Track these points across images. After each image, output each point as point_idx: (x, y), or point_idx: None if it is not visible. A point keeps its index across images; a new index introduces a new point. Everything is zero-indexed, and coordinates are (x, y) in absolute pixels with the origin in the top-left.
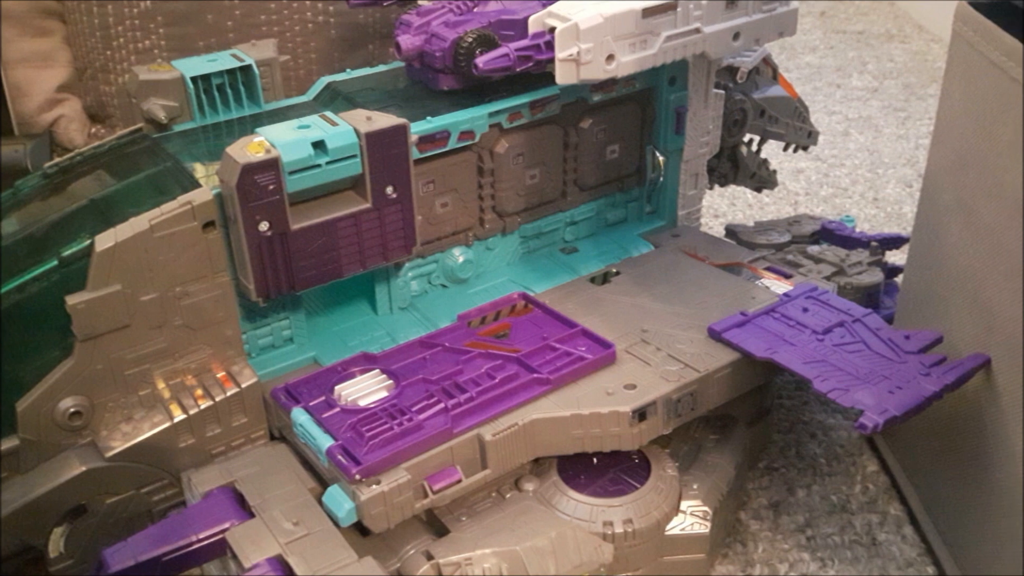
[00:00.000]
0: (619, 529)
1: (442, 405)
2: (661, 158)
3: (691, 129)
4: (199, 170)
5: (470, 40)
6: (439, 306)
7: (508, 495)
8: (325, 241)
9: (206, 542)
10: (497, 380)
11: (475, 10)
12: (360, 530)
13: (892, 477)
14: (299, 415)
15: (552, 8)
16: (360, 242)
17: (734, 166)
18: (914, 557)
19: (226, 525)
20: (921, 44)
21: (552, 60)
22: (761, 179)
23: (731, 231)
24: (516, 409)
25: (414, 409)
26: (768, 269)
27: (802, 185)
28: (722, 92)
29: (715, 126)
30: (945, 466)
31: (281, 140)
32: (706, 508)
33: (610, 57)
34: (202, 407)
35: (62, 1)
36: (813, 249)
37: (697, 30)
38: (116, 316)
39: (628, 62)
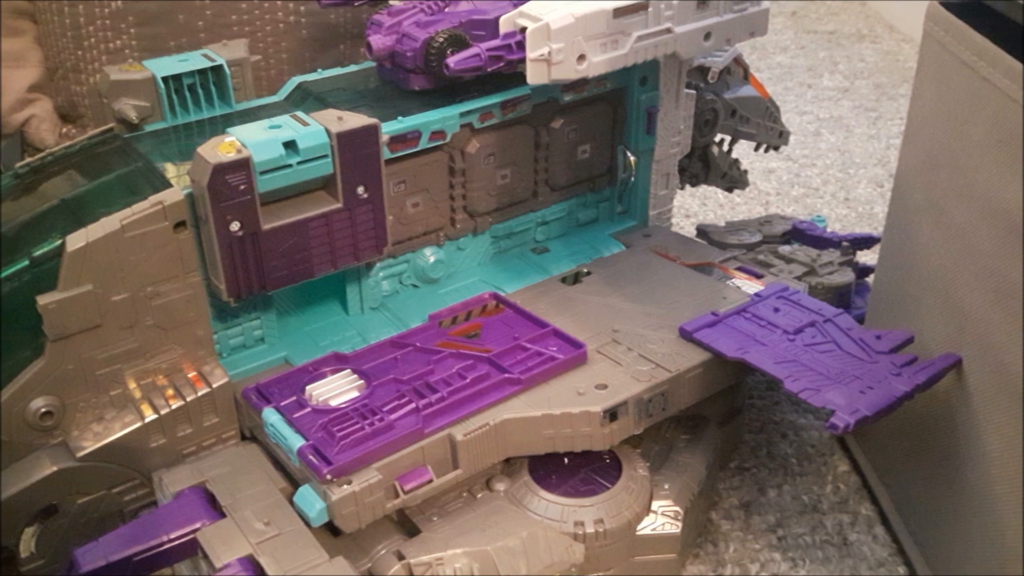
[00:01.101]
0: (590, 529)
1: (413, 405)
2: (632, 158)
3: (662, 129)
4: (170, 170)
5: (441, 40)
6: (410, 306)
7: (479, 495)
8: (296, 241)
9: (177, 542)
10: (468, 380)
11: (446, 10)
12: (331, 530)
13: (863, 477)
14: (270, 415)
15: (523, 8)
16: (331, 242)
17: (705, 166)
18: (885, 557)
19: (197, 525)
20: (892, 44)
21: (523, 60)
22: (732, 179)
23: (702, 231)
24: (487, 409)
25: (385, 409)
26: (739, 269)
27: (773, 185)
28: (693, 92)
29: (686, 126)
30: (916, 466)
31: (252, 140)
32: (677, 508)
33: (581, 57)
34: (173, 407)
35: (33, 1)
36: (784, 249)
37: (668, 30)
38: (87, 316)
39: (599, 62)
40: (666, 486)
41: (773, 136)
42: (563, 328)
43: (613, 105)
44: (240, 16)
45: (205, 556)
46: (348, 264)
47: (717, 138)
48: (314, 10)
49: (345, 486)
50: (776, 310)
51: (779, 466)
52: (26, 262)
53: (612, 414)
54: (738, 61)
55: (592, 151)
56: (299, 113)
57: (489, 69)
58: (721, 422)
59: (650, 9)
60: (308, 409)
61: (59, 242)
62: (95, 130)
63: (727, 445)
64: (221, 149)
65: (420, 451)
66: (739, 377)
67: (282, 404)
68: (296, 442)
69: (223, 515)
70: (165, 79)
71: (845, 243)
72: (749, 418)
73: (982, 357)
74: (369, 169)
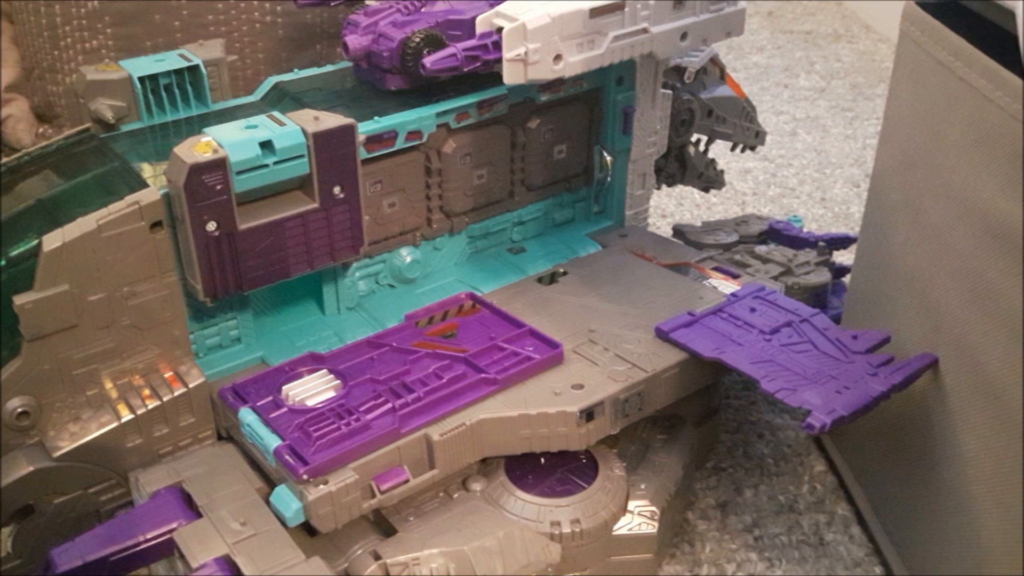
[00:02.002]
0: (567, 529)
1: (390, 405)
2: (609, 158)
3: (639, 129)
4: (147, 170)
5: (418, 40)
6: (387, 306)
7: (456, 495)
8: (273, 241)
9: (154, 542)
10: (445, 380)
11: (423, 10)
12: (308, 530)
13: (840, 477)
14: (247, 415)
15: (500, 8)
16: (308, 242)
17: (682, 166)
18: (862, 557)
19: (174, 525)
20: (868, 44)
21: (500, 60)
22: (709, 179)
23: (679, 231)
24: (464, 409)
25: (362, 409)
26: (716, 269)
27: (750, 185)
28: (670, 92)
29: (663, 126)
30: (892, 466)
31: (229, 140)
32: (654, 508)
33: (558, 57)
34: (150, 407)
35: (10, 1)
36: (761, 249)
37: (645, 30)
38: (64, 316)
39: (576, 62)
40: (642, 486)
41: (749, 136)
42: (539, 328)
43: (589, 105)
44: (216, 16)
45: (181, 556)
46: (325, 264)
47: (693, 138)
48: (290, 10)
49: (321, 486)
50: (752, 310)
51: (756, 466)
52: (2, 262)
53: (588, 414)
54: (714, 61)
55: (569, 151)
56: (275, 113)
57: (465, 69)
58: (698, 422)
59: (626, 9)
60: (284, 409)
61: (35, 242)
62: (71, 130)
63: (703, 445)
64: (197, 149)
65: (396, 451)
66: (715, 377)
67: (258, 404)
68: (272, 442)
69: (199, 515)
70: (141, 79)
71: (821, 243)
72: (725, 418)
73: (958, 357)
74: (345, 169)
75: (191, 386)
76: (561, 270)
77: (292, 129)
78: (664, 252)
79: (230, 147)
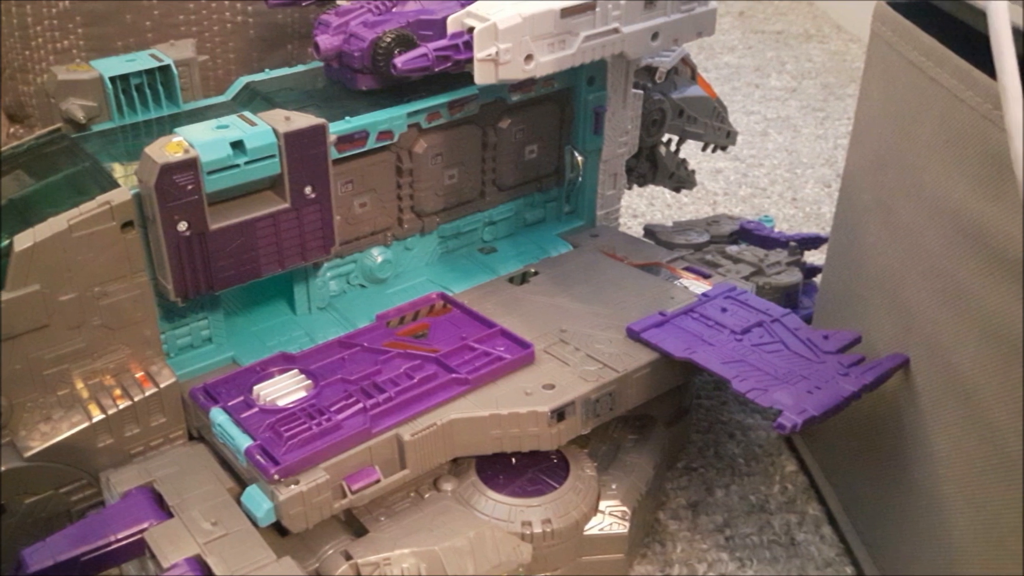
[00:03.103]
0: (537, 529)
1: (361, 405)
2: (580, 158)
3: (610, 129)
4: (118, 170)
5: (388, 40)
6: (358, 306)
7: (427, 495)
8: (244, 241)
9: (125, 542)
10: (416, 380)
11: (394, 10)
12: (279, 530)
13: (811, 477)
14: (217, 415)
15: (471, 8)
16: (279, 242)
17: (653, 166)
18: (832, 557)
19: (145, 525)
20: (839, 44)
21: (471, 60)
22: (680, 179)
23: (650, 231)
24: (435, 409)
25: (333, 409)
26: (687, 269)
27: (721, 185)
28: (641, 92)
29: (634, 126)
30: (863, 466)
31: (200, 140)
32: (624, 508)
33: (528, 57)
34: (120, 407)
35: None
36: (732, 249)
37: (615, 30)
38: (35, 316)
39: (547, 62)
40: (613, 486)
41: (721, 136)
42: (511, 328)
43: (561, 105)
44: (187, 16)
45: (152, 556)
46: (296, 264)
47: (665, 138)
48: (262, 10)
49: (293, 486)
50: (724, 310)
51: (727, 466)
52: None
53: (559, 414)
54: (685, 61)
55: (540, 151)
56: (247, 113)
57: (437, 69)
58: (669, 422)
59: (597, 9)
60: (256, 409)
61: (6, 242)
62: (42, 130)
63: (675, 445)
64: (168, 149)
65: (368, 451)
66: (686, 377)
67: (230, 404)
68: (244, 442)
69: (171, 515)
70: (113, 79)
71: (793, 243)
72: (697, 418)
73: (929, 357)
74: (317, 169)
75: (162, 386)
76: (532, 270)
77: (263, 129)
78: (635, 252)
79: (201, 147)
